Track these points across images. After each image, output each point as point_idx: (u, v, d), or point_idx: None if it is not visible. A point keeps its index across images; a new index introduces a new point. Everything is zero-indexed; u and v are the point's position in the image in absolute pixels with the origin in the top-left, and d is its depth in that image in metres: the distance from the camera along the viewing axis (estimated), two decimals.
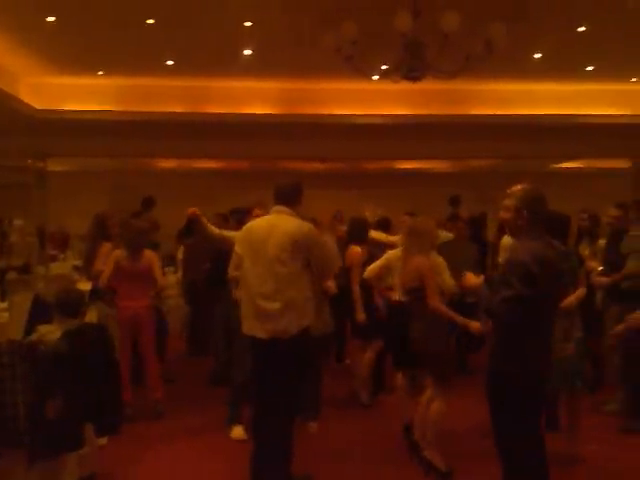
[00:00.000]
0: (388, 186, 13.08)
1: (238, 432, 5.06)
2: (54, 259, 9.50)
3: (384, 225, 6.67)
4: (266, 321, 3.85)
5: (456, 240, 6.81)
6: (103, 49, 7.89)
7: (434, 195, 10.54)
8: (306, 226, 3.95)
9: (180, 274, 8.26)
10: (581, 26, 7.07)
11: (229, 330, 5.23)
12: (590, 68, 8.75)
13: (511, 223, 3.33)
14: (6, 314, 5.77)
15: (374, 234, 6.29)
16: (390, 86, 7.31)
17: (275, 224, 3.93)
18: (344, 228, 6.65)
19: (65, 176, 12.74)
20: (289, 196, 4.02)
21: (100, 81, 9.32)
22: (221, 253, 5.26)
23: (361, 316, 5.74)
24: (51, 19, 6.83)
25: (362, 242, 6.01)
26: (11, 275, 7.58)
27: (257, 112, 9.67)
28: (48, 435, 3.61)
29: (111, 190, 12.86)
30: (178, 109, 9.50)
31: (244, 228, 4.13)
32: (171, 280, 8.34)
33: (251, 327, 3.93)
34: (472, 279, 3.55)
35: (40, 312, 5.02)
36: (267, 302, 3.85)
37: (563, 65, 8.50)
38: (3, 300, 6.44)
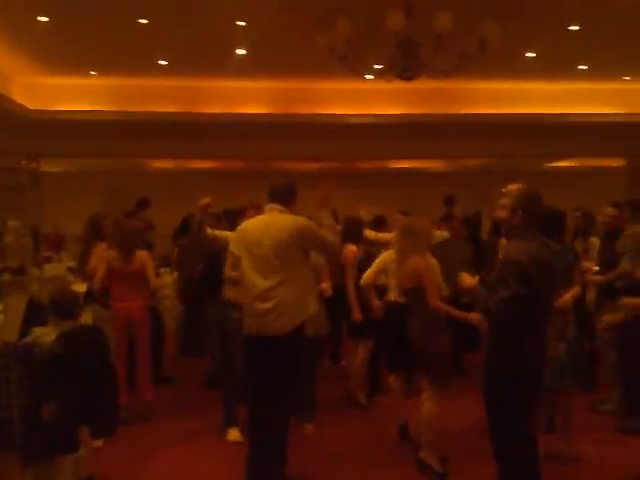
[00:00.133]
0: (382, 185, 13.09)
1: (234, 434, 5.05)
2: (49, 260, 9.47)
3: (379, 223, 6.67)
4: (262, 319, 3.85)
5: (451, 240, 6.81)
6: (96, 49, 7.87)
7: (429, 194, 10.55)
8: (300, 219, 3.95)
9: (175, 274, 8.24)
10: (573, 25, 7.09)
11: (223, 331, 5.21)
12: (583, 67, 8.77)
13: (506, 222, 3.34)
14: (1, 316, 5.74)
15: (369, 233, 6.29)
16: (384, 85, 7.32)
17: (270, 222, 3.93)
18: (339, 227, 6.64)
19: (59, 177, 12.70)
20: (283, 195, 4.03)
21: (93, 81, 9.30)
22: (214, 253, 5.25)
23: (357, 315, 5.74)
24: (43, 19, 6.81)
25: (357, 241, 6.01)
26: (5, 277, 7.53)
27: (251, 112, 9.66)
28: (43, 438, 3.59)
29: (105, 191, 12.83)
30: (171, 109, 9.48)
31: (239, 228, 4.12)
32: (167, 280, 8.32)
33: (249, 325, 3.93)
34: (467, 279, 3.55)
35: (35, 314, 5.00)
36: (264, 300, 3.84)
37: (556, 64, 8.51)
38: None
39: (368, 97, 9.49)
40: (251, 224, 4.05)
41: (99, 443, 4.57)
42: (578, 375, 4.47)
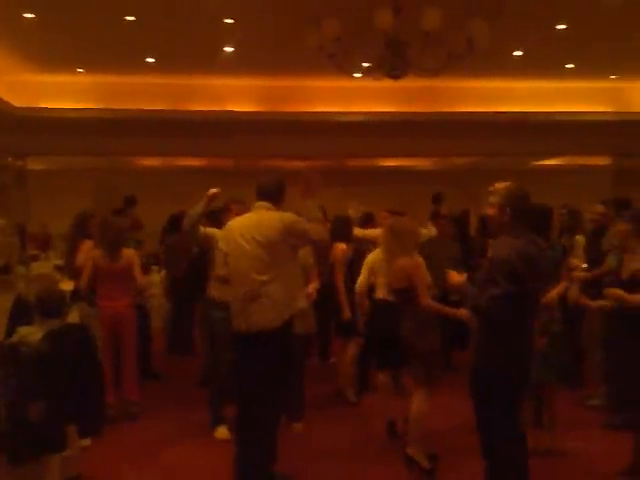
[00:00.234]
0: (371, 184, 13.11)
1: (222, 432, 5.04)
2: (36, 259, 9.40)
3: (367, 220, 6.68)
4: (251, 314, 3.85)
5: (439, 238, 6.83)
6: (83, 46, 7.83)
7: (417, 192, 10.58)
8: (287, 216, 3.96)
9: (163, 272, 8.22)
10: (561, 24, 7.13)
11: (209, 330, 5.20)
12: (570, 66, 8.82)
13: (495, 220, 3.36)
14: None
15: (356, 231, 6.29)
16: (372, 84, 7.34)
17: (258, 220, 3.94)
18: (327, 225, 6.63)
19: (45, 175, 12.62)
20: (271, 193, 4.03)
21: (80, 79, 9.25)
22: (202, 252, 5.23)
23: (347, 314, 5.74)
24: (30, 16, 6.76)
25: (347, 240, 6.01)
26: None
27: (239, 110, 9.64)
28: (30, 437, 3.57)
29: (93, 189, 12.76)
30: (159, 107, 9.44)
31: (227, 225, 4.12)
32: (155, 279, 8.29)
33: (238, 322, 3.93)
34: (455, 277, 3.56)
35: (21, 313, 4.98)
36: (253, 296, 3.84)
37: (543, 63, 8.57)
38: None
39: (357, 95, 9.51)
40: (239, 221, 4.05)
41: (87, 442, 4.55)
42: (562, 372, 4.49)
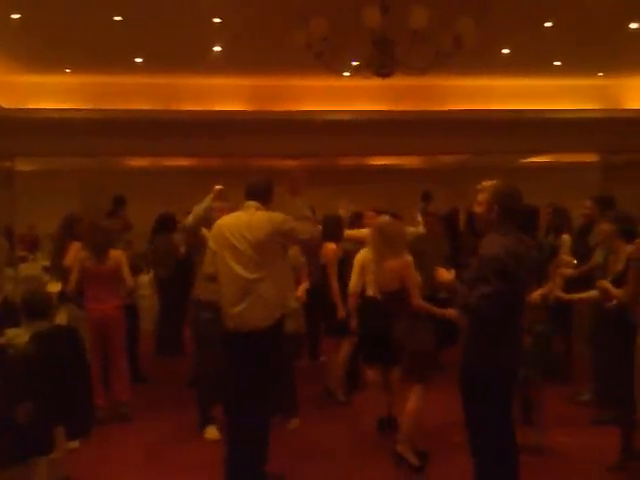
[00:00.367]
0: (361, 182, 13.09)
1: (212, 432, 5.03)
2: (24, 260, 9.35)
3: (355, 220, 6.70)
4: (241, 313, 3.85)
5: (427, 235, 6.85)
6: (70, 47, 7.79)
7: (407, 191, 10.59)
8: (276, 215, 3.96)
9: (152, 273, 8.19)
10: (548, 22, 7.15)
11: (198, 331, 5.19)
12: (558, 63, 8.85)
13: (483, 217, 3.37)
14: None
15: (345, 233, 6.29)
16: (362, 82, 7.34)
17: (247, 220, 3.94)
18: (318, 225, 6.62)
19: (33, 176, 12.53)
20: (260, 192, 4.04)
21: (68, 79, 9.19)
22: (189, 252, 5.23)
23: (342, 313, 5.72)
24: (16, 16, 6.71)
25: (337, 239, 6.01)
26: None
27: (228, 109, 9.62)
28: (17, 439, 3.55)
29: (81, 190, 12.68)
30: (148, 107, 9.40)
31: (216, 224, 4.11)
32: (144, 280, 8.26)
33: (228, 321, 3.92)
34: (445, 274, 3.57)
35: (9, 315, 4.95)
36: (243, 294, 3.84)
37: (531, 60, 8.59)
38: None
39: (346, 94, 9.50)
40: (228, 220, 4.05)
41: (75, 444, 4.51)
42: (547, 371, 4.52)
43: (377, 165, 14.02)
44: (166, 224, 7.69)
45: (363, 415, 5.45)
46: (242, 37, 7.40)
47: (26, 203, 11.55)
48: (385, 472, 4.43)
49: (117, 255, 5.56)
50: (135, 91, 9.36)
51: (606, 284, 4.29)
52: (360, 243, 5.81)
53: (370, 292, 5.20)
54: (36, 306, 3.95)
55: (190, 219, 4.80)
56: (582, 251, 5.74)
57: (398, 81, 7.09)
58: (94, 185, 12.32)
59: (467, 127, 9.89)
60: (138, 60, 8.38)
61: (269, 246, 3.87)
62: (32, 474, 3.71)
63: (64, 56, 8.23)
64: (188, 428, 5.22)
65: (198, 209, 4.73)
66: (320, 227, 4.45)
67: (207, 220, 4.68)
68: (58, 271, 5.79)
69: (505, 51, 8.20)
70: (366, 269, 5.30)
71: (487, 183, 3.39)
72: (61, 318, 5.29)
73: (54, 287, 5.81)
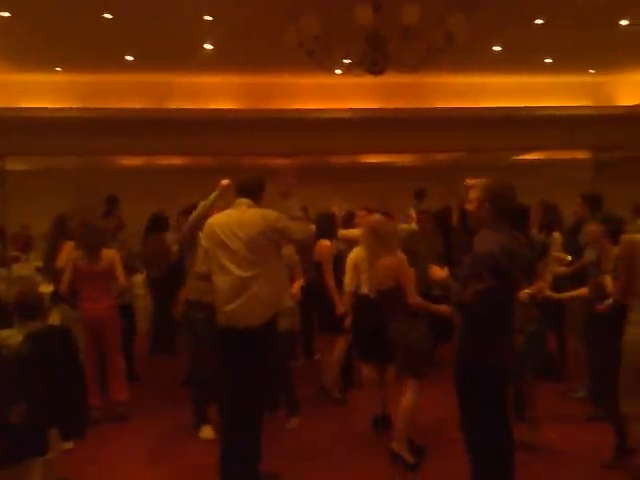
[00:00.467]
0: (354, 180, 13.09)
1: (207, 432, 5.03)
2: (17, 260, 9.28)
3: (348, 219, 6.71)
4: (235, 311, 3.84)
5: (420, 233, 6.88)
6: (60, 45, 7.74)
7: (400, 189, 10.58)
8: (269, 213, 3.95)
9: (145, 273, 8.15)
10: (539, 19, 7.16)
11: (190, 331, 5.18)
12: (549, 60, 8.87)
13: (474, 215, 3.38)
14: None
15: (339, 232, 6.30)
16: (354, 80, 7.33)
17: (239, 217, 3.94)
18: (311, 225, 6.61)
19: (25, 175, 12.45)
20: (252, 190, 4.04)
21: (58, 78, 9.14)
22: (182, 252, 5.22)
23: (341, 309, 5.70)
24: (5, 14, 6.67)
25: (331, 237, 6.01)
26: None
27: (221, 107, 9.59)
28: (12, 440, 3.53)
29: (73, 189, 12.61)
30: (139, 105, 9.36)
31: (207, 223, 4.11)
32: (138, 279, 8.22)
33: (222, 318, 3.92)
34: (438, 272, 3.58)
35: (2, 316, 4.91)
36: (237, 293, 3.84)
37: (522, 57, 8.61)
38: None
39: (338, 92, 9.49)
40: (220, 218, 4.05)
41: (69, 445, 4.51)
42: (539, 369, 4.54)
43: (370, 163, 14.01)
44: (158, 223, 7.67)
45: (359, 413, 5.46)
46: (234, 35, 7.38)
47: (18, 203, 11.50)
48: (381, 470, 4.43)
49: (110, 254, 5.55)
50: (126, 89, 9.31)
51: (605, 280, 4.31)
52: (352, 243, 5.82)
53: (364, 290, 5.21)
54: (29, 307, 3.93)
55: (195, 214, 4.78)
56: (573, 249, 5.76)
57: (390, 79, 7.09)
58: (87, 184, 12.26)
59: (459, 125, 9.90)
60: (129, 58, 8.34)
61: (262, 244, 3.86)
62: (27, 475, 3.70)
63: (54, 54, 8.18)
64: (183, 428, 5.22)
65: (203, 204, 4.71)
66: (313, 227, 4.44)
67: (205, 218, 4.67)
68: (50, 272, 5.76)
69: (496, 48, 8.21)
70: (359, 268, 5.31)
71: (472, 181, 3.40)
72: (54, 318, 5.28)
73: (47, 287, 5.79)
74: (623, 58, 8.82)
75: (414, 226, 6.97)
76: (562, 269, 5.56)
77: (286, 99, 9.68)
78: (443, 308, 4.26)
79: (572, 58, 8.70)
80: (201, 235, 4.25)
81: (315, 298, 6.05)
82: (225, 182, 4.75)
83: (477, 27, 6.46)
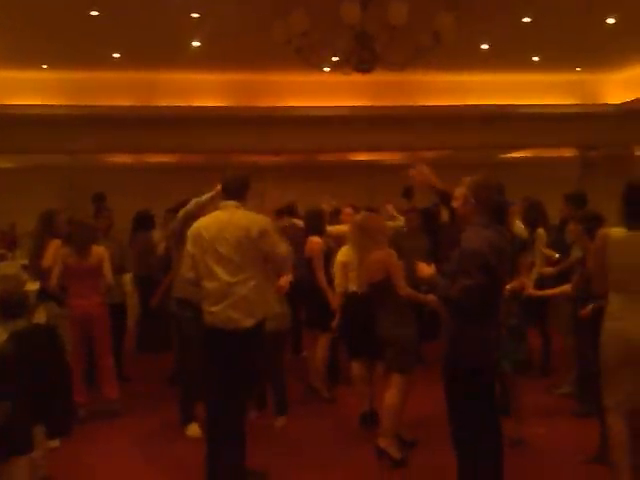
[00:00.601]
0: (342, 178, 13.12)
1: (194, 430, 5.02)
2: (3, 258, 9.24)
3: (334, 214, 6.73)
4: (223, 314, 3.82)
5: (408, 230, 6.90)
6: (46, 42, 7.69)
7: (388, 186, 10.59)
8: (260, 219, 3.92)
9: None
10: (526, 17, 7.19)
11: (179, 330, 5.16)
12: (536, 58, 8.91)
13: (460, 211, 3.39)
14: None
15: (328, 228, 6.31)
16: (342, 78, 7.32)
17: (227, 219, 3.90)
18: (300, 222, 6.62)
19: (12, 173, 12.40)
20: (238, 191, 4.00)
21: (45, 75, 9.08)
22: (168, 250, 5.20)
23: (334, 305, 5.65)
24: None
25: (320, 233, 6.01)
26: None
27: (209, 105, 9.56)
28: None
29: (61, 186, 12.57)
30: (126, 103, 9.31)
31: (194, 226, 4.06)
32: (127, 278, 8.18)
33: (210, 320, 3.90)
34: (425, 269, 3.59)
35: None
36: (226, 296, 3.82)
37: (510, 55, 8.63)
38: None
39: (326, 89, 9.48)
40: (207, 221, 4.00)
41: (55, 443, 4.49)
42: (519, 363, 4.57)
43: (358, 160, 14.03)
44: (144, 222, 7.64)
45: (347, 410, 5.47)
46: (221, 32, 7.35)
47: (4, 201, 11.43)
48: (369, 467, 4.44)
49: (99, 251, 5.52)
50: (113, 87, 9.26)
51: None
52: (340, 239, 5.83)
53: (353, 288, 5.23)
54: (14, 305, 3.90)
55: (185, 209, 4.77)
56: (560, 247, 5.79)
57: (378, 77, 7.10)
58: (74, 182, 12.22)
59: (447, 122, 9.92)
60: (116, 55, 8.29)
61: (250, 247, 3.83)
62: (12, 473, 3.67)
63: (41, 52, 8.12)
64: (170, 426, 5.20)
65: (196, 201, 4.69)
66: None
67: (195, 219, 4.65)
68: (35, 270, 5.71)
69: (484, 46, 8.23)
70: (348, 267, 5.33)
71: (466, 178, 3.42)
72: (40, 316, 5.25)
73: (33, 285, 5.75)
74: (610, 56, 8.86)
75: (399, 223, 7.01)
76: (549, 269, 5.59)
77: (274, 97, 9.67)
78: (431, 298, 4.28)
79: (559, 56, 8.73)
80: (187, 238, 4.21)
81: (304, 294, 6.05)
82: (220, 187, 4.71)
83: (465, 25, 6.47)
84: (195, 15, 6.87)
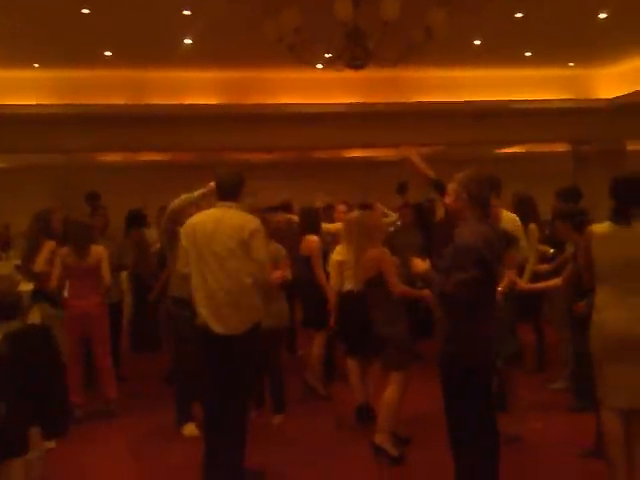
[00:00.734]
0: (336, 174, 13.12)
1: (191, 429, 5.01)
2: None
3: (327, 210, 6.73)
4: (219, 317, 3.81)
5: (402, 226, 6.91)
6: (37, 41, 7.65)
7: (382, 182, 10.59)
8: (252, 221, 3.91)
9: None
10: (518, 12, 7.19)
11: (175, 329, 5.15)
12: (528, 54, 8.91)
13: (452, 207, 3.39)
14: None
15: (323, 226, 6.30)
16: (335, 74, 7.32)
17: (221, 218, 3.89)
18: (295, 217, 6.61)
19: (4, 173, 12.35)
20: (232, 190, 3.98)
21: (36, 74, 9.03)
22: (163, 249, 5.19)
23: (332, 303, 5.65)
24: None
25: (316, 232, 5.99)
26: None
27: (201, 103, 9.53)
28: None
29: (54, 186, 12.52)
30: (119, 101, 9.27)
31: (188, 222, 4.06)
32: (123, 276, 8.16)
33: (203, 322, 3.89)
34: (420, 265, 3.59)
35: None
36: (218, 298, 3.81)
37: (502, 51, 8.64)
38: None
39: (319, 86, 9.47)
40: (201, 218, 3.99)
41: (51, 444, 4.46)
42: (510, 357, 4.57)
43: (352, 157, 14.03)
44: (136, 220, 7.62)
45: (344, 407, 5.46)
46: (213, 29, 7.33)
47: None
48: (366, 464, 4.44)
49: (99, 250, 5.50)
50: (105, 85, 9.21)
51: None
52: (334, 237, 5.82)
53: (349, 287, 5.23)
54: (7, 306, 3.88)
55: (174, 203, 4.72)
56: (554, 242, 5.79)
57: (371, 73, 7.09)
58: (68, 181, 12.18)
59: (439, 118, 9.91)
60: (107, 53, 8.26)
61: (242, 246, 3.81)
62: (7, 475, 3.66)
63: (32, 51, 8.08)
64: (166, 426, 5.19)
65: (185, 197, 4.66)
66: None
67: (184, 215, 4.64)
68: (28, 271, 5.66)
69: (476, 42, 8.24)
70: (343, 265, 5.34)
71: (459, 173, 3.42)
72: (34, 317, 5.22)
73: (26, 286, 5.72)
74: (602, 51, 8.88)
75: (394, 217, 7.02)
76: (544, 266, 5.60)
77: (267, 94, 9.64)
78: (425, 292, 4.28)
79: (552, 51, 8.74)
80: (181, 234, 4.21)
81: (301, 293, 6.04)
82: (213, 184, 4.70)
83: (457, 21, 6.46)
84: (187, 12, 6.85)
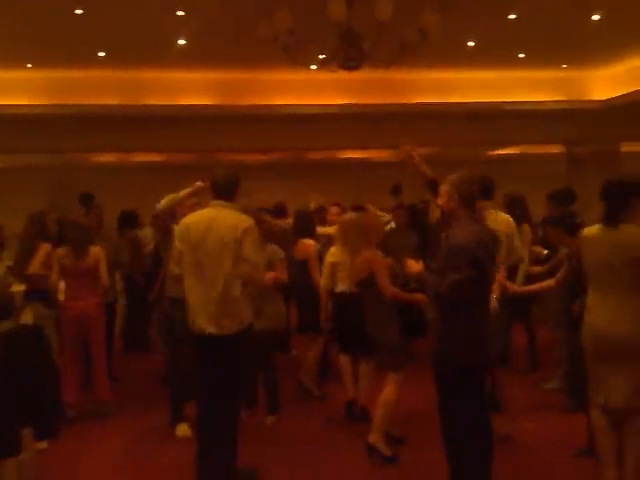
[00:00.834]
0: (330, 176, 13.12)
1: (183, 430, 5.00)
2: None
3: (320, 212, 6.73)
4: (210, 317, 3.81)
5: (396, 228, 6.91)
6: (31, 41, 7.63)
7: (377, 184, 10.61)
8: (246, 221, 3.90)
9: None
10: (512, 14, 7.21)
11: (170, 330, 5.14)
12: (522, 55, 8.94)
13: (445, 208, 3.41)
14: None
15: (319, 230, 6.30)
16: (329, 75, 7.33)
17: (215, 217, 3.89)
18: (289, 221, 6.59)
19: None
20: (227, 190, 3.98)
21: (30, 74, 9.00)
22: (156, 249, 5.18)
23: (325, 307, 5.63)
24: None
25: (311, 235, 5.97)
26: None
27: (195, 103, 9.52)
28: None
29: (48, 187, 12.48)
30: (114, 102, 9.26)
31: (182, 222, 4.06)
32: (117, 276, 8.15)
33: (196, 323, 3.88)
34: (414, 266, 3.60)
35: None
36: (211, 299, 3.80)
37: (496, 52, 8.67)
38: None
39: (313, 87, 9.48)
40: (195, 219, 3.99)
41: (43, 445, 4.45)
42: (497, 357, 4.59)
43: (346, 158, 14.04)
44: (129, 221, 7.61)
45: (337, 408, 5.46)
46: (207, 30, 7.33)
47: None
48: (359, 464, 4.44)
49: (96, 251, 5.49)
50: (99, 86, 9.20)
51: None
52: (329, 239, 5.82)
53: (342, 288, 5.23)
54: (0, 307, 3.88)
55: (163, 203, 4.72)
56: (547, 243, 5.81)
57: (365, 74, 7.09)
58: (62, 182, 12.14)
59: (433, 120, 9.93)
60: (101, 54, 8.24)
61: (236, 246, 3.81)
62: (0, 476, 3.66)
63: (25, 51, 8.06)
64: (159, 426, 5.18)
65: (174, 196, 4.67)
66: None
67: (175, 215, 4.64)
68: (22, 273, 5.62)
69: (470, 43, 8.25)
70: (337, 267, 5.34)
71: (451, 175, 3.44)
72: (27, 317, 5.20)
73: (19, 287, 5.70)
74: (596, 52, 8.91)
75: (387, 217, 7.02)
76: (538, 268, 5.61)
77: (262, 95, 9.65)
78: (417, 296, 4.29)
79: (545, 53, 8.77)
80: (175, 234, 4.20)
81: (297, 296, 6.03)
82: (200, 183, 4.70)
83: (451, 22, 6.48)
84: (180, 13, 6.84)
